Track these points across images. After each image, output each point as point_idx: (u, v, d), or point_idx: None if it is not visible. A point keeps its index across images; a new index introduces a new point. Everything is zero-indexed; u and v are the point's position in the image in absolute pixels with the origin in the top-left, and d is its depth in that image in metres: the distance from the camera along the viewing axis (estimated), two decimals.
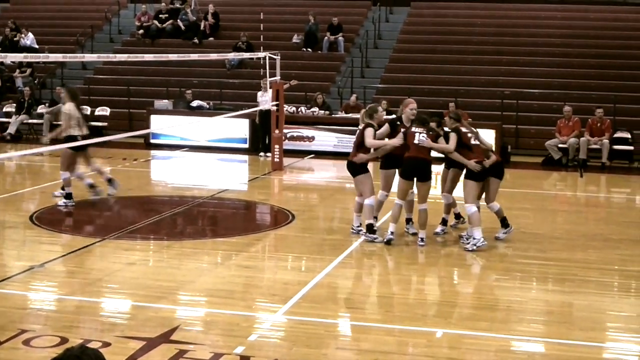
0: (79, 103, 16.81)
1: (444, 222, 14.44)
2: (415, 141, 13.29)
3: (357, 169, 13.60)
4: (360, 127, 13.78)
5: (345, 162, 14.24)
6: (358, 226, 14.00)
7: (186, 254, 12.86)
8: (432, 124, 13.51)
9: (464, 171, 13.62)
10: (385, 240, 13.38)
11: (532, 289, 11.66)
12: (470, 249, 13.20)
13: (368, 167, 13.73)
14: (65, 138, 16.07)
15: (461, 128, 13.57)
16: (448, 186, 14.20)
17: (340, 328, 9.85)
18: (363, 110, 14.16)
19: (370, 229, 13.60)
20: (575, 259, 13.08)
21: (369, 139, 13.39)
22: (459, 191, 14.47)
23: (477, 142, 13.54)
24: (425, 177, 13.45)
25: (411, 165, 13.36)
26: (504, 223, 13.99)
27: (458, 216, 14.76)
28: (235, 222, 16.33)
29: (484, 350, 8.98)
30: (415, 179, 13.49)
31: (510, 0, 34.09)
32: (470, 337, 9.35)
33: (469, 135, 13.49)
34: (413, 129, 13.41)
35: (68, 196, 16.30)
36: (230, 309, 10.09)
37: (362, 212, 13.74)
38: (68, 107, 16.25)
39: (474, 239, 13.24)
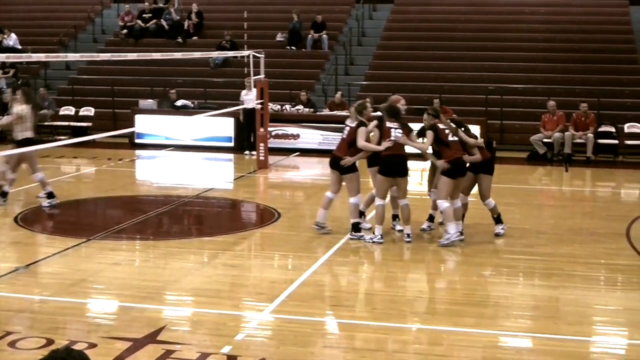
0: (34, 105, 16.59)
1: (431, 218, 14.42)
2: (392, 138, 13.28)
3: (347, 167, 13.54)
4: (350, 123, 13.70)
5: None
6: (323, 222, 13.93)
7: (172, 254, 12.82)
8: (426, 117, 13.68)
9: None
10: (373, 241, 13.40)
11: (518, 284, 11.67)
12: (444, 243, 13.22)
13: (356, 165, 13.68)
14: (20, 141, 15.84)
15: (439, 124, 13.47)
16: (436, 182, 14.17)
17: (328, 326, 9.83)
18: (353, 107, 14.12)
19: (356, 227, 13.59)
20: (561, 253, 13.10)
21: (362, 141, 13.31)
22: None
23: (455, 139, 13.47)
24: (404, 172, 13.51)
25: (390, 162, 13.34)
26: (499, 219, 14.00)
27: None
28: (221, 221, 16.30)
29: (471, 346, 8.98)
30: (394, 175, 13.47)
31: None
32: (457, 333, 9.35)
33: (447, 131, 13.43)
34: (388, 124, 13.39)
35: (50, 195, 16.23)
36: (217, 309, 10.06)
37: (352, 212, 13.67)
38: (22, 108, 15.97)
39: (448, 233, 13.24)
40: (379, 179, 13.46)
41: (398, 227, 14.11)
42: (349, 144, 13.48)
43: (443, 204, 13.26)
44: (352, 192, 13.56)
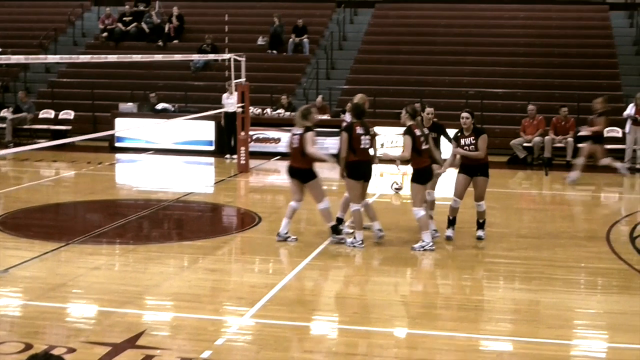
0: None
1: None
2: (362, 146, 13.31)
3: (307, 175, 13.43)
4: (297, 131, 13.47)
5: (325, 165, 14.19)
6: (286, 233, 13.81)
7: (152, 258, 12.77)
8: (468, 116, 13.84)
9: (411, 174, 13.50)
10: (353, 245, 13.39)
11: (499, 288, 11.68)
12: (417, 249, 13.23)
13: (316, 171, 13.55)
14: None
15: (415, 130, 13.36)
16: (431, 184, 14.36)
17: (308, 330, 9.79)
18: (297, 112, 13.88)
19: (335, 229, 13.57)
20: (541, 257, 13.12)
21: (311, 148, 13.23)
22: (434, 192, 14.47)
23: (428, 146, 13.45)
24: (371, 176, 13.69)
25: (362, 167, 13.39)
26: (482, 225, 13.97)
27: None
28: (201, 225, 16.24)
29: (452, 350, 8.97)
30: (365, 179, 13.59)
31: (473, 1, 34.21)
32: (438, 337, 9.35)
33: (422, 139, 13.41)
34: (357, 130, 13.33)
35: None
36: (197, 313, 10.02)
37: (324, 217, 13.63)
38: None
39: (423, 241, 13.24)
40: (352, 184, 13.45)
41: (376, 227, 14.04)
42: (302, 152, 13.33)
43: (419, 212, 13.23)
44: (318, 199, 13.52)
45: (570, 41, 30.60)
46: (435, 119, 14.54)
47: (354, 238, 13.49)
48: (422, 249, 13.19)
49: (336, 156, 14.10)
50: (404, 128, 13.37)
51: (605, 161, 19.06)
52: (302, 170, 13.44)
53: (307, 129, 13.34)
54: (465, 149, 13.61)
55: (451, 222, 13.97)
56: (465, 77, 28.86)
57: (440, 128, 14.56)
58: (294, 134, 13.50)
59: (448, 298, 11.03)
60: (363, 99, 14.58)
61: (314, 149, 13.28)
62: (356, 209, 13.45)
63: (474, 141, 13.59)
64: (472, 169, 13.69)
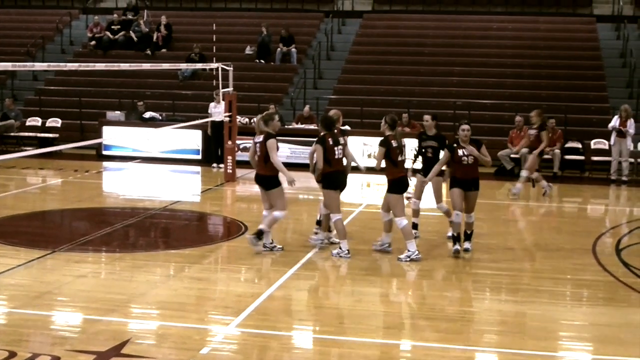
0: None
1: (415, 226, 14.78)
2: (336, 157, 13.48)
3: (270, 183, 13.43)
4: (258, 139, 13.43)
5: (297, 174, 14.21)
6: (271, 242, 13.83)
7: (138, 266, 12.73)
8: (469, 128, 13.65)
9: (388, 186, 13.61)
10: (340, 256, 13.43)
11: (485, 299, 11.68)
12: (403, 260, 13.26)
13: (280, 180, 13.55)
14: None
15: (392, 142, 13.38)
16: (435, 195, 14.68)
17: (294, 340, 9.77)
18: (258, 118, 13.85)
19: (260, 234, 13.53)
20: (528, 268, 13.14)
21: (275, 156, 13.29)
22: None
23: (403, 158, 13.54)
24: (346, 185, 13.90)
25: (338, 177, 13.61)
26: (470, 237, 13.94)
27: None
28: (187, 233, 16.20)
29: None
30: (342, 189, 13.81)
31: (461, 12, 34.33)
32: (424, 348, 9.34)
33: (397, 150, 13.43)
34: (330, 142, 13.48)
35: None
36: (183, 322, 10.00)
37: (268, 221, 13.56)
38: None
39: (409, 251, 13.29)
40: (330, 194, 13.56)
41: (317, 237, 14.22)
42: (265, 160, 13.31)
43: (402, 221, 13.29)
44: (278, 207, 13.51)
45: (557, 53, 30.74)
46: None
47: (340, 248, 13.49)
48: (408, 259, 13.21)
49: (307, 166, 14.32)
50: (381, 139, 13.49)
51: (535, 175, 19.97)
52: (265, 177, 13.42)
53: (269, 136, 13.32)
54: (464, 160, 13.42)
55: (456, 239, 13.67)
56: (453, 88, 28.94)
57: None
58: (256, 142, 13.45)
59: (434, 309, 11.02)
60: (337, 114, 14.70)
61: (277, 159, 13.34)
62: (337, 218, 13.50)
63: (471, 151, 13.46)
64: (467, 183, 13.52)
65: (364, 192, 21.66)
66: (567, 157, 24.59)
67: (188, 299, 11.14)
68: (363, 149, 24.41)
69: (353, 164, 14.36)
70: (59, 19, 35.52)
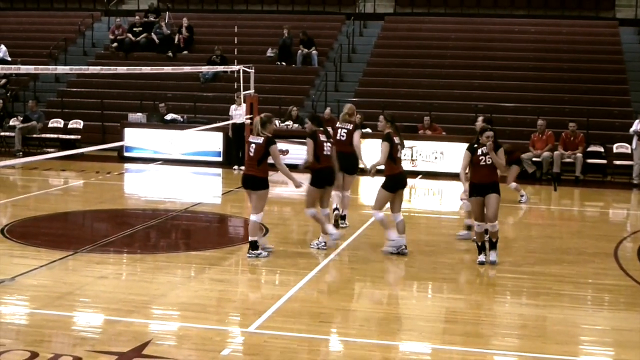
0: None
1: (469, 227, 14.77)
2: (325, 153, 13.93)
3: (260, 184, 13.33)
4: (255, 139, 13.37)
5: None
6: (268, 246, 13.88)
7: (159, 268, 12.77)
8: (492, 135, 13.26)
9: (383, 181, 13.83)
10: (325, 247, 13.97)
11: (506, 303, 11.65)
12: (390, 251, 13.61)
13: (269, 184, 13.50)
14: None
15: (394, 137, 13.63)
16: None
17: (314, 342, 9.76)
18: (256, 120, 13.75)
19: (254, 245, 13.49)
20: (549, 272, 13.08)
21: (280, 162, 13.53)
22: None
23: (401, 155, 13.91)
24: (334, 182, 14.38)
25: (326, 175, 14.01)
26: (495, 245, 13.46)
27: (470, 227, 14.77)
28: (208, 235, 16.24)
29: None
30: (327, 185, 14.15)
31: (483, 15, 34.24)
32: (444, 351, 9.32)
33: (398, 147, 13.69)
34: (321, 137, 13.92)
35: None
36: (203, 323, 10.01)
37: (252, 230, 13.48)
38: None
39: (391, 239, 13.62)
40: (312, 190, 14.00)
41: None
42: (259, 161, 13.26)
43: (378, 214, 13.68)
44: (257, 210, 13.37)
45: (580, 56, 30.60)
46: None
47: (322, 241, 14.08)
48: (392, 248, 13.66)
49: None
50: (384, 134, 13.72)
51: (513, 185, 19.70)
52: (256, 177, 13.31)
53: (271, 141, 13.30)
54: (481, 160, 13.08)
55: (481, 248, 13.41)
56: (474, 91, 28.86)
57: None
58: (252, 143, 13.38)
59: (455, 312, 10.99)
60: (352, 110, 15.67)
61: (283, 165, 13.63)
62: (312, 212, 13.99)
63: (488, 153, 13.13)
64: (484, 188, 13.16)
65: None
66: (589, 161, 24.46)
67: (209, 301, 11.16)
68: None
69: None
70: (81, 21, 35.63)
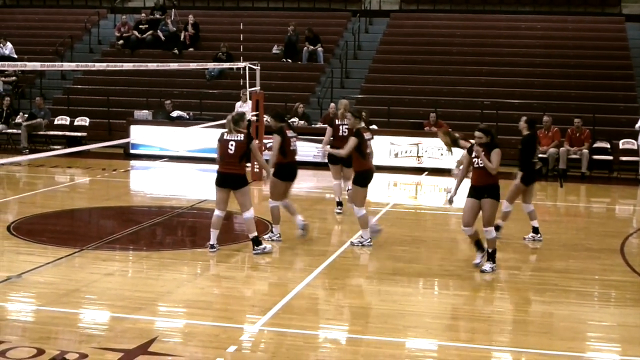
0: None
1: (497, 227, 14.29)
2: (291, 148, 14.34)
3: (242, 182, 13.39)
4: (233, 137, 13.34)
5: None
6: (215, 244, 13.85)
7: (165, 265, 12.78)
8: (481, 135, 12.68)
9: (353, 177, 14.14)
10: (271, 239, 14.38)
11: (512, 299, 11.63)
12: (356, 243, 14.06)
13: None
14: None
15: (364, 134, 13.90)
16: (508, 196, 14.66)
17: (320, 339, 9.76)
18: (229, 117, 13.72)
19: (257, 241, 13.56)
20: (555, 268, 13.07)
21: (261, 157, 14.01)
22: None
23: (370, 151, 14.06)
24: (296, 176, 14.67)
25: (292, 169, 14.44)
26: (493, 256, 12.96)
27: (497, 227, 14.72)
28: None
29: None
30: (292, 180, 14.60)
31: (489, 11, 34.20)
32: (450, 347, 9.32)
33: (367, 142, 13.95)
34: (288, 133, 14.28)
35: None
36: (209, 320, 10.03)
37: (248, 227, 13.62)
38: None
39: (363, 238, 14.02)
40: (278, 183, 14.32)
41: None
42: (240, 158, 13.29)
43: (360, 211, 13.87)
44: (246, 207, 13.46)
45: (586, 52, 30.56)
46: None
47: (271, 232, 14.62)
48: (360, 245, 13.97)
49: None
50: (355, 130, 13.93)
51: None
52: (239, 175, 13.35)
53: (251, 137, 13.56)
54: (474, 161, 12.66)
55: (479, 247, 12.94)
56: (481, 88, 28.82)
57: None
58: (229, 140, 13.34)
59: (461, 309, 10.99)
60: (347, 106, 16.49)
61: (263, 160, 14.06)
62: (275, 205, 14.38)
63: (483, 154, 12.63)
64: (479, 190, 12.66)
65: (391, 191, 21.63)
66: (596, 157, 24.44)
67: (215, 298, 11.17)
68: (390, 148, 24.38)
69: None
70: (87, 18, 35.68)
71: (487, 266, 12.71)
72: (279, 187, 14.36)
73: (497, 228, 14.45)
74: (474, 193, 12.69)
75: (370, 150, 14.11)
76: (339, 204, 17.04)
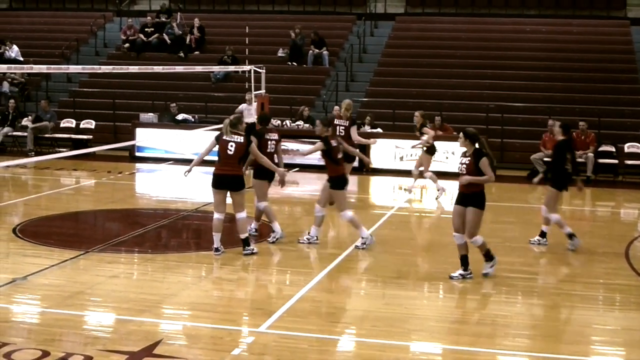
0: None
1: (542, 234, 14.93)
2: (268, 150, 14.35)
3: (242, 183, 13.54)
4: (231, 138, 13.41)
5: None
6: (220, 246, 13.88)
7: (170, 267, 12.80)
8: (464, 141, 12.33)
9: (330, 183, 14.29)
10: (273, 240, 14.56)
11: (517, 303, 11.63)
12: (360, 246, 14.05)
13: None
14: None
15: (331, 141, 14.08)
16: (548, 208, 14.82)
17: (324, 342, 9.78)
18: (226, 121, 13.86)
19: (247, 241, 13.66)
20: (560, 272, 13.08)
21: (262, 157, 13.86)
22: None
23: (342, 156, 14.37)
24: (274, 177, 14.54)
25: (268, 169, 14.22)
26: (489, 257, 12.83)
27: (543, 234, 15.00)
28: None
29: None
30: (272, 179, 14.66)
31: (494, 15, 34.20)
32: (455, 351, 9.33)
33: (337, 149, 14.17)
34: (267, 136, 14.52)
35: None
36: (214, 323, 10.04)
37: (242, 227, 13.74)
38: None
39: (362, 237, 14.07)
40: (260, 184, 14.52)
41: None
42: (239, 160, 13.49)
43: (346, 214, 14.07)
44: (241, 208, 13.57)
45: (591, 56, 30.54)
46: None
47: (273, 232, 14.69)
48: (364, 245, 14.02)
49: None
50: (322, 138, 14.12)
51: (428, 174, 19.94)
52: (237, 177, 13.48)
53: (250, 139, 13.67)
54: (459, 167, 12.35)
55: (487, 257, 12.67)
56: (485, 91, 28.83)
57: None
58: (228, 141, 13.43)
59: (466, 313, 11.00)
60: (350, 105, 17.43)
61: (266, 159, 13.95)
62: (265, 205, 14.50)
63: (468, 161, 12.21)
64: (464, 197, 12.36)
65: (395, 195, 21.64)
66: (601, 160, 24.42)
67: (219, 300, 11.19)
68: (395, 151, 24.39)
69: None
70: (93, 21, 35.73)
71: (486, 268, 12.69)
72: (261, 187, 14.56)
73: (571, 236, 14.61)
74: (460, 199, 12.46)
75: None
76: None
